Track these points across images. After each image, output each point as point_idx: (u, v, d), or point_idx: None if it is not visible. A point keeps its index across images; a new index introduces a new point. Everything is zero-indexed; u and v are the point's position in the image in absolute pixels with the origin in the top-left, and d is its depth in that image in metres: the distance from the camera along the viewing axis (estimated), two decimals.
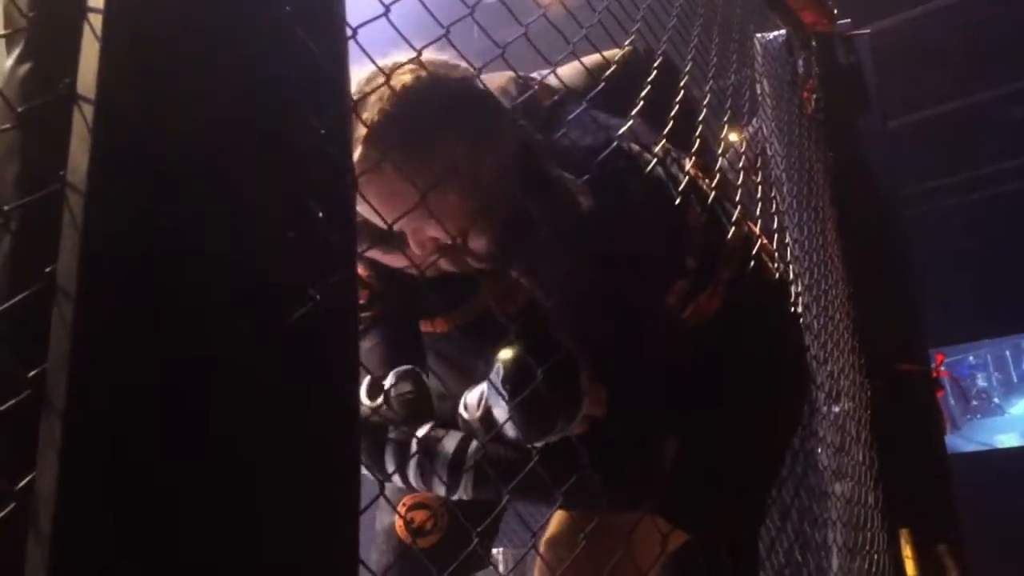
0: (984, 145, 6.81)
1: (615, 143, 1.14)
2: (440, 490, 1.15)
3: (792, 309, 1.39)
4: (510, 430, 1.05)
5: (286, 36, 0.67)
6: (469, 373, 1.16)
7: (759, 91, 1.86)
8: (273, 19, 0.65)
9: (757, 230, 1.38)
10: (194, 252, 0.57)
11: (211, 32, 0.60)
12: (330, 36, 0.72)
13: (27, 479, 0.50)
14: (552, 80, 1.21)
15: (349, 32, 0.75)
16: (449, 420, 1.19)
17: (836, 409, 1.63)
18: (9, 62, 0.62)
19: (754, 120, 1.70)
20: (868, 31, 2.45)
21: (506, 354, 1.04)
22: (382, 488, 0.71)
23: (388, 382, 1.17)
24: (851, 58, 2.40)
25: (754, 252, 1.27)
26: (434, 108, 1.07)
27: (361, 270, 1.31)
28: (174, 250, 0.54)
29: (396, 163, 1.01)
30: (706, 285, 1.18)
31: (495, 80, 1.21)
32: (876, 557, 1.79)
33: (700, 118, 1.32)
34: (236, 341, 0.57)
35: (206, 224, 0.57)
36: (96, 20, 0.56)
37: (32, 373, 0.52)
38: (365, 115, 1.05)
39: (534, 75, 1.27)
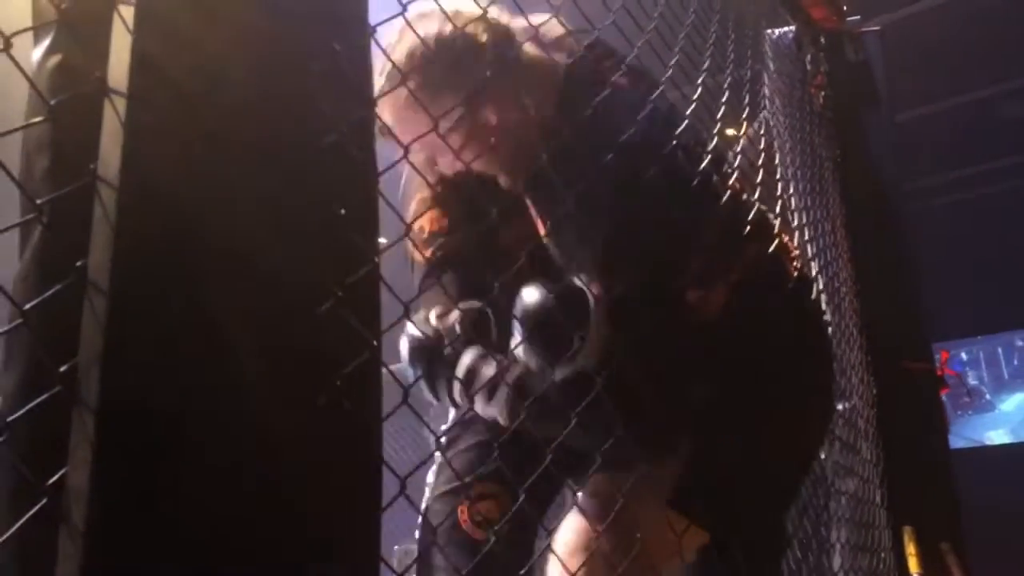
0: (988, 141, 6.80)
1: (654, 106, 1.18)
2: (480, 409, 1.20)
3: (816, 307, 1.39)
4: (531, 360, 1.11)
5: (312, 37, 0.67)
6: None
7: (768, 86, 1.85)
8: (302, 15, 0.64)
9: (789, 239, 1.38)
10: (224, 246, 0.57)
11: (242, 22, 0.60)
12: (352, 37, 0.72)
13: (58, 475, 0.50)
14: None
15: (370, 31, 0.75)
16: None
17: (845, 406, 1.63)
18: (38, 54, 0.62)
19: (763, 114, 1.70)
20: (878, 28, 2.44)
21: (527, 293, 1.12)
22: (403, 488, 0.71)
23: (453, 313, 1.25)
24: (860, 55, 2.39)
25: (773, 251, 1.26)
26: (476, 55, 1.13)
27: (431, 205, 1.37)
28: (206, 244, 0.54)
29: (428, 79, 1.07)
30: (716, 275, 1.17)
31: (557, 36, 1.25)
32: (882, 555, 1.80)
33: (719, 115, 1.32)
34: (267, 333, 0.57)
35: (238, 217, 0.57)
36: (127, 12, 0.55)
37: (63, 368, 0.52)
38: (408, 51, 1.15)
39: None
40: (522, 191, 1.24)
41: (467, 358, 1.20)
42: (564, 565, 1.02)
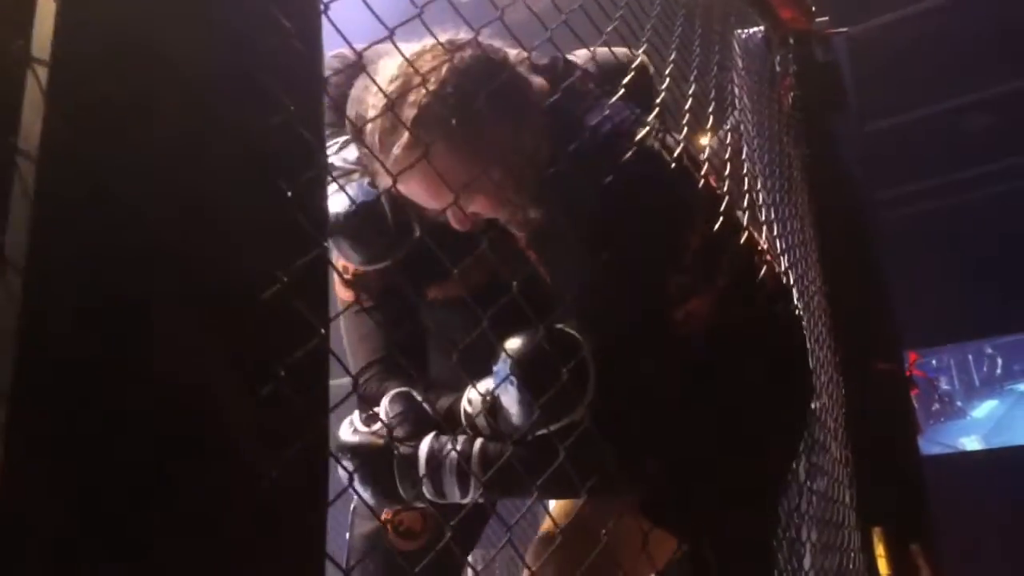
0: (956, 152, 6.89)
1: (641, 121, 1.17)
2: (455, 496, 1.15)
3: (796, 312, 1.38)
4: (517, 418, 1.07)
5: (259, 11, 0.64)
6: (471, 353, 1.16)
7: (738, 86, 1.84)
8: None
9: (763, 239, 1.37)
10: (156, 227, 0.53)
11: None
12: (303, 13, 0.70)
13: None
14: (589, 66, 1.24)
15: (322, 7, 0.72)
16: (453, 412, 1.20)
17: (815, 405, 1.62)
18: None
19: (734, 114, 1.69)
20: (846, 29, 2.45)
21: (513, 343, 1.06)
22: (351, 480, 0.68)
23: (382, 408, 1.19)
24: (828, 56, 2.40)
25: (757, 262, 1.25)
26: (481, 91, 1.07)
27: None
28: (131, 222, 0.50)
29: (447, 145, 1.01)
30: (699, 288, 1.16)
31: (540, 59, 1.22)
32: (851, 555, 1.79)
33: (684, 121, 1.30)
34: (198, 320, 0.53)
35: (168, 195, 0.54)
36: None
37: None
38: (412, 98, 1.07)
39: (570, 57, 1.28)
40: (521, 223, 1.19)
41: (423, 450, 1.14)
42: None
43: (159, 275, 0.53)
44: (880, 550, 1.91)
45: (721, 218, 1.19)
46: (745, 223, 1.29)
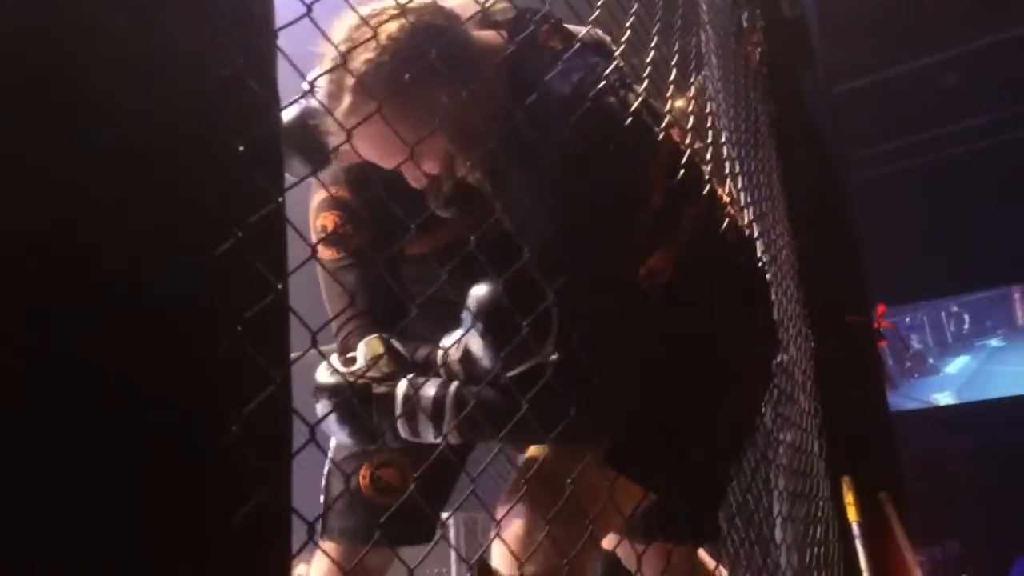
0: (926, 111, 6.93)
1: (600, 76, 1.17)
2: (429, 437, 1.17)
3: (759, 264, 1.40)
4: (485, 361, 1.10)
5: None
6: (448, 307, 1.17)
7: (704, 42, 1.84)
8: None
9: (725, 194, 1.38)
10: (104, 180, 0.53)
11: None
12: None
13: None
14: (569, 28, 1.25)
15: None
16: (430, 361, 1.23)
17: (783, 357, 1.64)
18: None
19: (702, 71, 1.69)
20: None
21: (478, 289, 1.09)
22: (312, 434, 0.69)
23: (359, 351, 1.22)
24: (795, 12, 2.40)
25: (720, 215, 1.26)
26: (419, 57, 1.07)
27: (337, 198, 1.35)
28: (82, 175, 0.50)
29: (385, 113, 1.01)
30: (661, 243, 1.17)
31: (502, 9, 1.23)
32: (820, 503, 1.82)
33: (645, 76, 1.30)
34: (156, 276, 0.54)
35: (119, 147, 0.53)
36: None
37: None
38: (352, 65, 1.09)
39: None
40: (481, 178, 1.20)
41: (399, 391, 1.17)
42: (508, 547, 1.02)
43: (109, 232, 0.53)
44: (849, 498, 1.95)
45: (683, 173, 1.19)
46: (708, 178, 1.29)
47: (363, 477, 1.38)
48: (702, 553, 1.44)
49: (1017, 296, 7.81)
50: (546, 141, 1.05)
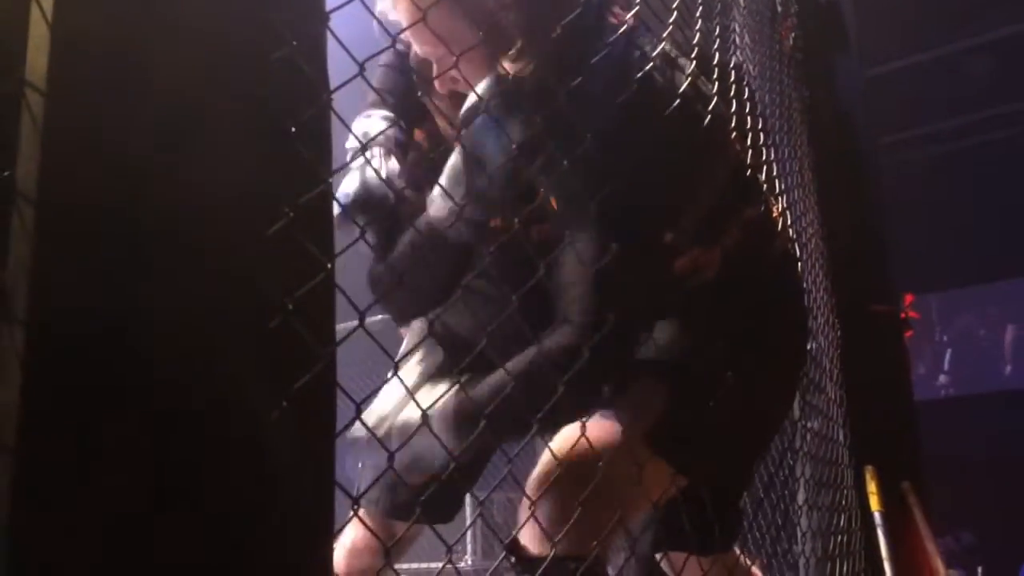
0: (957, 96, 6.83)
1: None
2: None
3: (799, 278, 1.40)
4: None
5: None
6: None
7: (740, 26, 1.83)
8: None
9: (776, 208, 1.37)
10: (162, 161, 0.54)
11: None
12: None
13: None
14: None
15: None
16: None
17: (811, 346, 1.64)
18: None
19: (736, 54, 1.67)
20: None
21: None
22: (358, 413, 0.70)
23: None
24: None
25: (769, 229, 1.26)
26: None
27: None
28: (140, 152, 0.51)
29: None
30: (715, 235, 1.17)
31: None
32: (844, 492, 1.82)
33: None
34: (211, 252, 0.54)
35: (173, 130, 0.54)
36: None
37: None
38: None
39: None
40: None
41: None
42: (534, 508, 1.02)
43: (156, 214, 0.54)
44: (872, 487, 1.95)
45: (742, 174, 1.20)
46: (761, 183, 1.29)
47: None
48: (744, 560, 1.44)
49: None
50: (603, 106, 1.03)
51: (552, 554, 1.01)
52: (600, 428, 1.06)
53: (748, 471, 1.36)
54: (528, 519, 1.02)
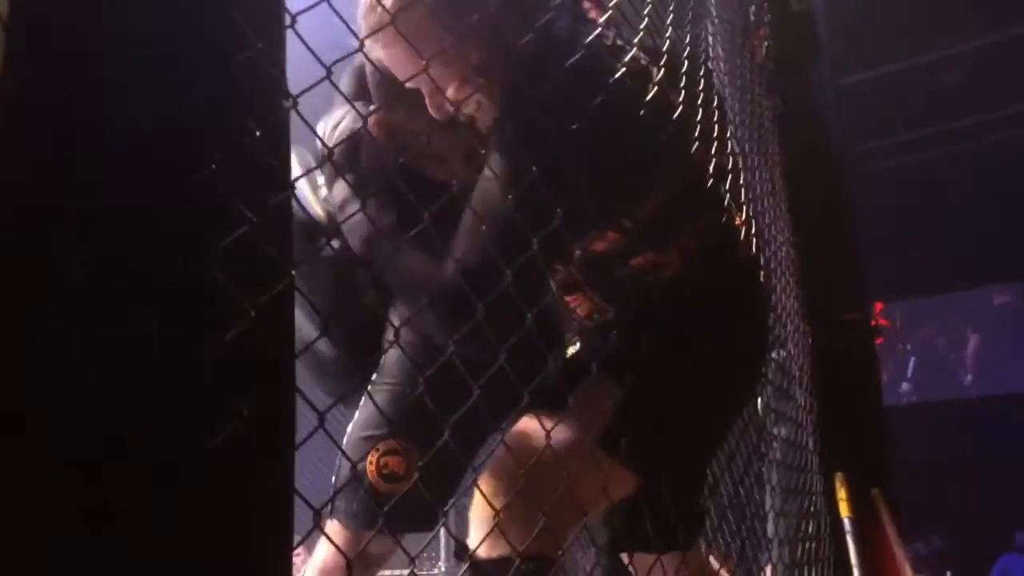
0: (930, 106, 6.93)
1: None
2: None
3: (762, 283, 1.40)
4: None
5: None
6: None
7: (712, 35, 1.83)
8: None
9: (740, 217, 1.38)
10: (127, 170, 0.53)
11: None
12: None
13: None
14: None
15: None
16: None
17: (780, 354, 1.65)
18: None
19: (708, 63, 1.68)
20: None
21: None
22: (321, 421, 0.69)
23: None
24: (803, 5, 2.39)
25: (732, 237, 1.27)
26: None
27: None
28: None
29: (431, 6, 1.04)
30: (672, 238, 1.18)
31: None
32: (813, 498, 1.83)
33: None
34: (166, 253, 0.53)
35: (132, 133, 0.53)
36: None
37: None
38: None
39: None
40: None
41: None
42: (488, 502, 1.01)
43: (112, 215, 0.53)
44: (842, 494, 1.96)
45: (702, 183, 1.20)
46: (723, 194, 1.30)
47: (369, 463, 1.38)
48: (712, 561, 1.45)
49: None
50: (565, 103, 1.02)
51: (500, 556, 1.00)
52: (551, 426, 1.04)
53: (701, 470, 1.37)
54: (473, 522, 1.01)
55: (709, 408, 1.23)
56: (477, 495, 1.07)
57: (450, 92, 1.16)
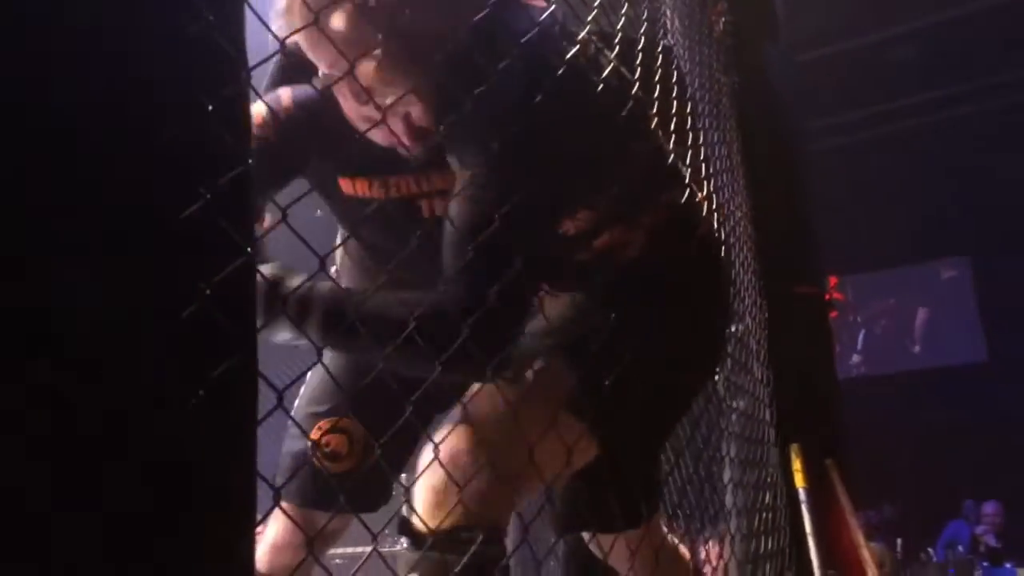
0: (882, 83, 7.02)
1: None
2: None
3: (724, 259, 1.41)
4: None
5: None
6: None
7: (670, 10, 1.84)
8: None
9: (701, 193, 1.38)
10: (78, 144, 0.52)
11: None
12: None
13: None
14: None
15: None
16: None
17: (739, 327, 1.67)
18: None
19: (667, 38, 1.68)
20: None
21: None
22: (280, 401, 0.68)
23: None
24: None
25: (693, 212, 1.27)
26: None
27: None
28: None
29: (384, 51, 1.02)
30: (622, 220, 1.18)
31: None
32: (770, 470, 1.87)
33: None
34: (121, 230, 0.52)
35: (87, 107, 0.52)
36: None
37: None
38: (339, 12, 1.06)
39: None
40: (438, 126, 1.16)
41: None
42: (446, 470, 0.98)
43: (68, 192, 0.51)
44: (797, 465, 2.00)
45: (664, 160, 1.20)
46: (683, 171, 1.30)
47: (310, 440, 1.35)
48: (671, 537, 1.46)
49: None
50: (510, 97, 1.01)
51: (452, 525, 0.98)
52: (511, 391, 1.03)
53: (661, 444, 1.38)
54: (421, 491, 0.98)
55: (671, 381, 1.24)
56: (426, 460, 1.01)
57: (415, 115, 1.13)
